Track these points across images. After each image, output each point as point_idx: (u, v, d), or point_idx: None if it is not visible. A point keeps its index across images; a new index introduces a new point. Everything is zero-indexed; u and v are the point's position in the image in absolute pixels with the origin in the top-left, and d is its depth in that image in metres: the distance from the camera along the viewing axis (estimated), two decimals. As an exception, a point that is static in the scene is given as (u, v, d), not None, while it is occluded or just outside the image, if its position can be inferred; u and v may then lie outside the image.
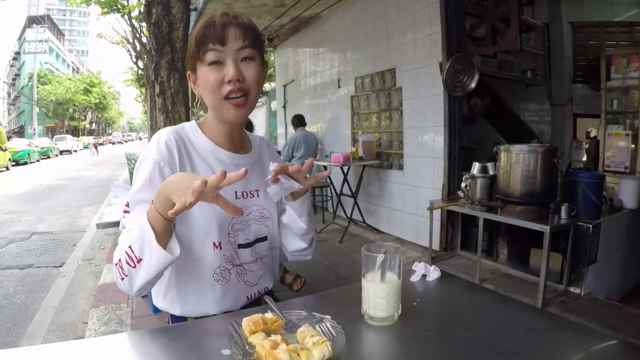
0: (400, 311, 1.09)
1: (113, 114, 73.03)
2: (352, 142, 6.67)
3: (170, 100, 4.33)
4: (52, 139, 36.49)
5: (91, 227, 7.20)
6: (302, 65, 8.48)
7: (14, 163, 21.80)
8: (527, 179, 3.17)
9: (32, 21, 52.16)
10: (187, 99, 4.50)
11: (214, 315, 1.28)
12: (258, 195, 1.39)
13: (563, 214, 3.17)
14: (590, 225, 3.20)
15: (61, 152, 32.67)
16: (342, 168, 5.80)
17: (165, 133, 1.28)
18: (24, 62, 49.90)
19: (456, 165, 4.54)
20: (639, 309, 3.12)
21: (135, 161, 4.61)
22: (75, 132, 51.99)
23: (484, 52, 4.34)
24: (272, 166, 1.17)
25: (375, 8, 5.77)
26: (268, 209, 1.41)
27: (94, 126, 66.56)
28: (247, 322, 0.99)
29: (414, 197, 5.28)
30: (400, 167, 5.51)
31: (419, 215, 5.13)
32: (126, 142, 61.90)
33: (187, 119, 4.44)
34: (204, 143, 1.32)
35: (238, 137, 1.38)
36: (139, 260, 1.07)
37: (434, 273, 1.38)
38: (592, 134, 5.20)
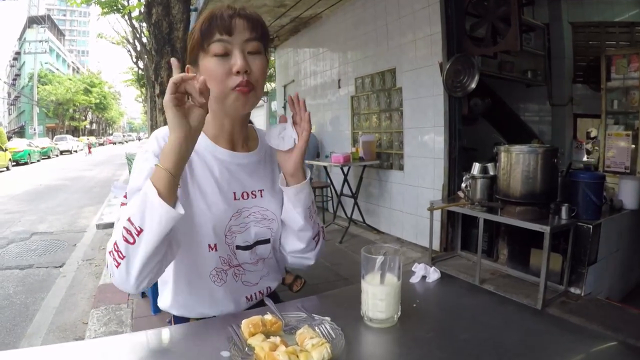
0: (399, 313, 1.09)
1: (113, 114, 73.08)
2: (352, 142, 6.67)
3: (170, 101, 4.33)
4: (52, 139, 36.47)
5: (91, 228, 7.20)
6: (303, 65, 8.48)
7: (15, 163, 21.78)
8: (528, 179, 3.17)
9: (32, 21, 52.22)
10: (187, 99, 4.49)
11: (213, 316, 1.28)
12: (261, 196, 1.33)
13: (563, 215, 3.17)
14: (591, 226, 3.19)
15: (61, 152, 32.65)
16: (342, 168, 5.79)
17: (164, 131, 1.23)
18: (24, 62, 49.95)
19: (456, 165, 4.53)
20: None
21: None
22: (75, 132, 51.99)
23: (484, 52, 4.34)
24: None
25: (376, 8, 5.77)
26: (272, 211, 1.35)
27: (94, 126, 66.60)
28: (247, 324, 1.00)
29: (414, 198, 5.28)
30: (401, 168, 5.51)
31: (419, 216, 5.13)
32: (127, 142, 61.92)
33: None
34: (202, 141, 1.26)
35: (240, 135, 1.32)
36: (140, 232, 1.01)
37: (433, 274, 1.38)
38: (593, 134, 5.20)
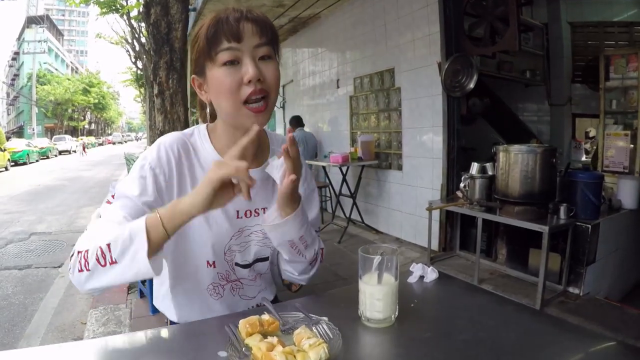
0: (397, 313, 1.08)
1: (112, 114, 73.12)
2: (351, 142, 6.67)
3: (168, 101, 4.32)
4: (51, 139, 36.47)
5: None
6: (301, 65, 8.47)
7: (13, 163, 21.76)
8: (526, 179, 3.17)
9: (31, 21, 52.17)
10: (185, 100, 4.49)
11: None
12: (264, 214, 1.24)
13: (562, 214, 3.17)
14: (589, 226, 3.20)
15: (60, 153, 32.64)
16: (340, 168, 5.79)
17: (169, 140, 1.18)
18: (23, 62, 49.92)
19: (455, 165, 4.53)
20: (638, 309, 3.12)
21: (134, 162, 4.62)
22: (74, 132, 51.94)
23: (482, 52, 4.34)
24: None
25: (374, 8, 5.77)
26: None
27: (93, 126, 66.57)
28: (244, 324, 0.99)
29: (412, 198, 5.28)
30: (399, 168, 5.51)
31: (418, 216, 5.13)
32: (126, 142, 61.94)
33: (186, 120, 4.44)
34: (211, 154, 1.20)
35: (250, 148, 1.19)
36: (113, 263, 0.95)
37: (431, 274, 1.38)
38: (591, 134, 5.21)
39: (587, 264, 3.24)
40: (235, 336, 0.98)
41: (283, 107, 9.56)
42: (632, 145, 4.17)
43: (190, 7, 5.86)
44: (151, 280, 3.50)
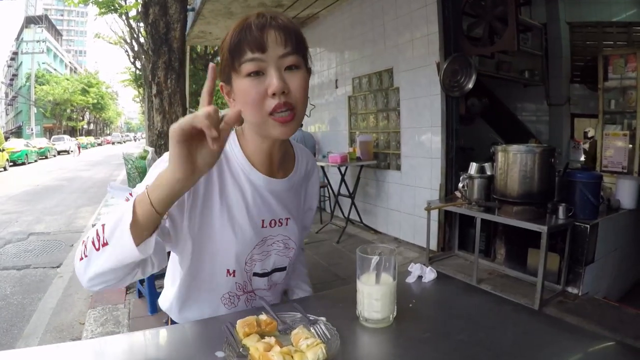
0: (395, 313, 1.08)
1: (111, 114, 73.06)
2: (350, 142, 6.67)
3: (167, 101, 4.32)
4: (49, 139, 36.41)
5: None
6: (300, 65, 8.45)
7: (12, 163, 21.73)
8: (525, 179, 3.17)
9: (29, 21, 52.08)
10: (184, 100, 4.49)
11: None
12: (287, 224, 1.25)
13: (560, 214, 3.17)
14: (588, 226, 3.20)
15: (59, 153, 32.58)
16: (339, 168, 5.79)
17: None
18: (21, 62, 49.86)
19: (453, 165, 4.53)
20: (637, 309, 3.12)
21: (133, 162, 4.61)
22: (73, 132, 51.89)
23: (481, 52, 4.35)
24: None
25: (373, 8, 5.77)
26: (294, 240, 1.28)
27: (91, 126, 66.53)
28: (241, 324, 0.99)
29: (411, 198, 5.28)
30: (398, 168, 5.51)
31: (417, 216, 5.13)
32: (124, 142, 61.93)
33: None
34: (240, 160, 1.16)
35: (278, 156, 1.20)
36: (104, 244, 0.91)
37: (430, 274, 1.37)
38: (590, 134, 5.21)
39: (586, 264, 3.24)
40: (232, 336, 0.97)
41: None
42: (630, 145, 4.18)
43: (188, 7, 5.86)
44: (150, 280, 3.50)
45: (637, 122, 4.21)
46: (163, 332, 1.12)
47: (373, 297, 1.04)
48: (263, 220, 1.20)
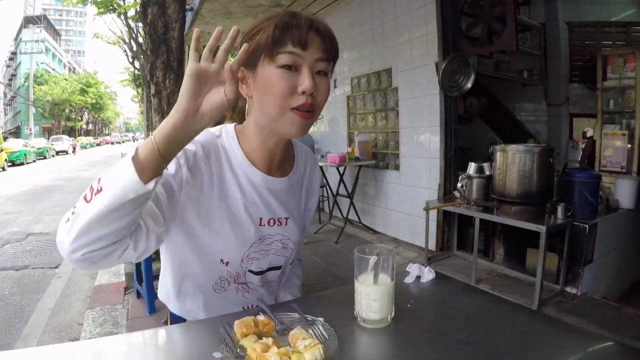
0: (393, 313, 1.08)
1: (109, 115, 73.02)
2: (349, 142, 6.67)
3: (165, 101, 4.32)
4: (48, 139, 36.40)
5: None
6: (299, 65, 8.46)
7: (10, 164, 21.73)
8: (523, 179, 3.17)
9: (28, 21, 52.07)
10: (182, 100, 4.48)
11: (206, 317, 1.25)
12: (286, 224, 1.25)
13: (559, 214, 3.17)
14: (587, 225, 3.20)
15: (57, 153, 32.56)
16: (338, 168, 5.79)
17: (199, 137, 1.05)
18: (20, 62, 49.86)
19: (452, 165, 4.54)
20: (636, 309, 3.12)
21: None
22: (71, 132, 51.87)
23: (480, 52, 4.34)
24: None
25: (372, 8, 5.77)
26: (293, 240, 1.28)
27: (90, 127, 66.51)
28: (239, 325, 0.98)
29: (410, 198, 5.28)
30: (397, 168, 5.51)
31: (415, 216, 5.13)
32: (124, 142, 61.91)
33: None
34: (239, 157, 1.16)
35: (280, 156, 1.21)
36: (99, 191, 0.86)
37: (428, 274, 1.37)
38: (589, 134, 5.21)
39: (585, 263, 3.23)
40: (230, 337, 0.97)
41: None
42: (629, 145, 4.18)
43: (187, 7, 5.86)
44: (148, 280, 3.50)
45: (636, 121, 4.21)
46: (161, 333, 1.12)
47: (371, 298, 1.04)
48: (261, 219, 1.20)
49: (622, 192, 3.64)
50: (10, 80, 56.26)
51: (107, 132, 78.92)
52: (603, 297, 3.38)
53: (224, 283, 1.24)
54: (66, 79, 50.66)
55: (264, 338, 0.93)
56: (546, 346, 0.99)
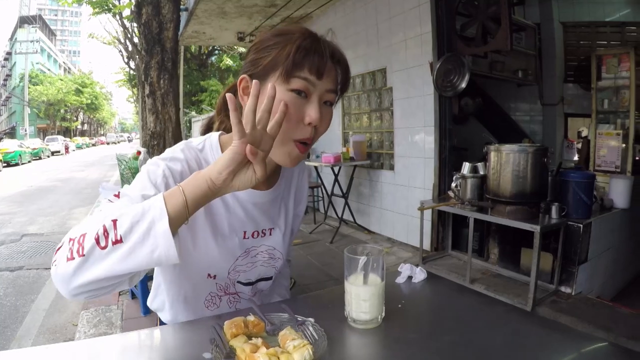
0: (384, 314, 1.08)
1: (105, 115, 72.89)
2: (343, 142, 6.67)
3: (160, 101, 4.31)
4: (43, 139, 36.30)
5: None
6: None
7: (5, 164, 21.64)
8: (518, 178, 3.17)
9: (23, 21, 51.92)
10: (177, 100, 4.48)
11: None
12: (271, 234, 1.24)
13: (553, 214, 3.18)
14: (581, 225, 3.20)
15: (52, 153, 32.47)
16: (332, 168, 5.79)
17: (184, 155, 1.08)
18: (15, 62, 49.65)
19: (447, 165, 4.54)
20: (630, 309, 3.13)
21: (126, 162, 4.59)
22: (67, 133, 51.77)
23: (474, 51, 4.34)
24: None
25: (366, 8, 5.77)
26: (280, 249, 1.27)
27: (85, 127, 66.37)
28: (229, 325, 0.98)
29: (404, 197, 5.28)
30: (391, 167, 5.51)
31: (410, 216, 5.13)
32: (119, 142, 61.82)
33: (177, 120, 4.42)
34: None
35: (270, 167, 1.14)
36: (117, 242, 0.80)
37: (419, 274, 1.37)
38: (584, 134, 5.23)
39: (579, 263, 3.24)
40: (220, 337, 0.97)
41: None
42: (624, 145, 4.19)
43: (182, 7, 5.85)
44: (143, 281, 3.49)
45: (630, 121, 4.23)
46: (152, 333, 1.11)
47: (361, 298, 1.04)
48: (245, 232, 1.19)
49: (617, 192, 3.65)
50: (5, 80, 56.01)
51: (102, 133, 78.78)
52: (597, 297, 3.39)
53: (215, 299, 1.23)
54: (61, 79, 50.57)
55: (253, 338, 0.93)
56: (539, 347, 0.99)
